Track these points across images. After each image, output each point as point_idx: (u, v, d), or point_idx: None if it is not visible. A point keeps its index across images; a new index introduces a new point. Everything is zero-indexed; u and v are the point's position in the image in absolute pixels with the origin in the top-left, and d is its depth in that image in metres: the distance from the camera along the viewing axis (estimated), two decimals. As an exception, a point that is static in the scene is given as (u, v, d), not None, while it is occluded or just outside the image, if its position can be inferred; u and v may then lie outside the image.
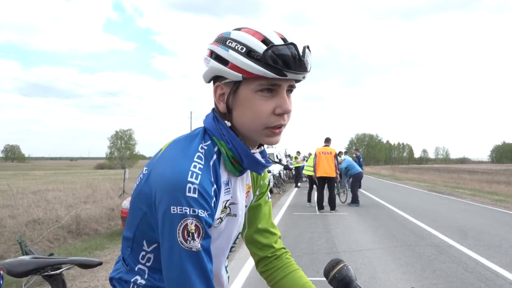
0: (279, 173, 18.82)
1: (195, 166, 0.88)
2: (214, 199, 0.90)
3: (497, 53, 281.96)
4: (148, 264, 0.96)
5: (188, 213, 0.83)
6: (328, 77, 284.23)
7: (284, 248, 1.23)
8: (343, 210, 10.96)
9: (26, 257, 1.65)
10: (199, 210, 0.84)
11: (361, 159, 17.37)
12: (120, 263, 1.03)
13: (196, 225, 0.84)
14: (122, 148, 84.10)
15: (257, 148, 1.04)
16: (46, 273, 1.61)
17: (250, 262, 5.33)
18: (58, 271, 1.63)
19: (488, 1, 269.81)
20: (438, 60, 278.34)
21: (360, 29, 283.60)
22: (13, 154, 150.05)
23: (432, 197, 15.50)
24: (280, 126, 0.94)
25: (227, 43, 0.91)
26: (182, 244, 0.83)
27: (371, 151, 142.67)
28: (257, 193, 1.19)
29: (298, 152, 22.10)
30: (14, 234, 5.97)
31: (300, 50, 0.90)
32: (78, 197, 10.87)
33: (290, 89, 0.95)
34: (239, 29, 0.94)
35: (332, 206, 10.52)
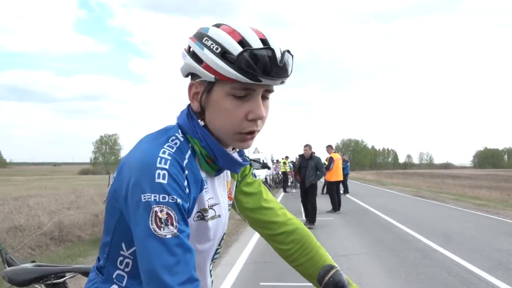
0: (265, 178, 18.85)
1: (164, 152, 0.85)
2: (186, 182, 0.86)
3: (479, 58, 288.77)
4: (127, 270, 0.92)
5: (158, 199, 0.80)
6: (310, 82, 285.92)
7: (292, 219, 1.17)
8: (328, 215, 11.01)
9: (29, 265, 1.62)
10: (170, 196, 0.81)
11: (348, 163, 17.74)
12: (94, 273, 0.99)
13: (167, 213, 0.80)
14: (107, 153, 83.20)
15: (232, 149, 1.00)
16: (49, 282, 1.57)
17: (237, 268, 5.31)
18: (61, 280, 1.59)
19: (468, 3, 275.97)
20: (420, 64, 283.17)
21: (338, 32, 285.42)
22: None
23: (416, 201, 15.70)
24: (252, 132, 0.91)
25: (203, 40, 0.88)
26: (156, 231, 0.79)
27: (356, 157, 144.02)
28: (240, 178, 1.15)
29: (287, 157, 22.16)
30: (-6, 241, 5.84)
31: (279, 55, 0.86)
32: (61, 203, 10.68)
33: (266, 94, 0.92)
34: (218, 26, 0.90)
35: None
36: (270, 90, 0.91)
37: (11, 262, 2.09)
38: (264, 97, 0.91)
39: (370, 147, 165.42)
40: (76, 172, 69.66)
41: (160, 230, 0.80)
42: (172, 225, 0.81)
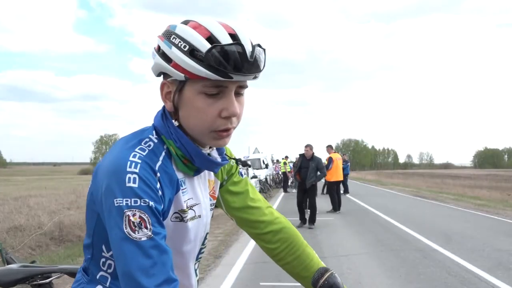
0: (266, 178, 18.85)
1: (134, 156, 0.84)
2: (159, 185, 0.85)
3: (479, 58, 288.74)
4: (109, 271, 0.92)
5: (130, 204, 0.80)
6: (310, 82, 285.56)
7: (279, 218, 1.16)
8: (329, 215, 11.01)
9: (14, 266, 1.61)
10: (142, 200, 0.80)
11: (348, 163, 17.76)
12: (80, 274, 0.99)
13: (140, 216, 0.80)
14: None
15: (209, 148, 0.99)
16: (35, 282, 1.57)
17: (237, 268, 5.31)
18: (47, 280, 1.59)
19: (468, 3, 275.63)
20: (420, 64, 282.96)
21: (339, 32, 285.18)
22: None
23: (416, 202, 15.69)
24: (227, 130, 0.90)
25: (171, 38, 0.86)
26: (130, 235, 0.79)
27: (356, 157, 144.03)
28: (226, 177, 1.14)
29: (286, 157, 22.16)
30: (-6, 241, 5.84)
31: (249, 50, 0.84)
32: (61, 203, 10.67)
33: (240, 90, 0.90)
34: (186, 23, 0.88)
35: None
36: (243, 86, 0.90)
37: (11, 262, 2.09)
38: (238, 93, 0.90)
39: (370, 147, 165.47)
40: (76, 172, 69.59)
41: (134, 233, 0.80)
42: (146, 228, 0.80)
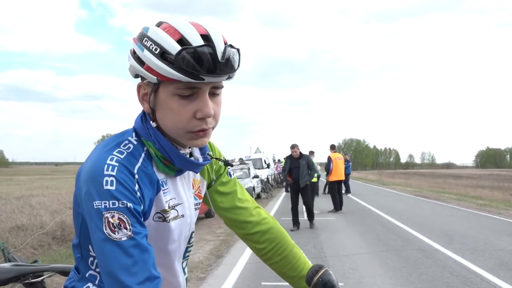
0: (267, 178, 18.84)
1: (112, 159, 0.85)
2: (137, 186, 0.86)
3: (481, 57, 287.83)
4: (98, 270, 0.93)
5: (108, 206, 0.81)
6: (311, 82, 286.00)
7: (267, 218, 1.17)
8: (330, 215, 11.00)
9: (6, 265, 1.62)
10: (120, 202, 0.82)
11: (350, 163, 17.75)
12: (73, 272, 1.01)
13: (119, 217, 0.81)
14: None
15: (189, 148, 0.99)
16: (27, 281, 1.58)
17: (238, 267, 5.31)
18: (39, 279, 1.60)
19: (469, 2, 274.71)
20: (421, 64, 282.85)
21: (339, 32, 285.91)
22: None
23: (418, 201, 15.67)
24: (203, 130, 0.90)
25: (143, 41, 0.86)
26: (110, 235, 0.81)
27: (358, 156, 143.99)
28: (214, 177, 1.15)
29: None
30: (-4, 240, 5.85)
31: (220, 50, 0.84)
32: (63, 202, 10.69)
33: (215, 90, 0.90)
34: (159, 24, 0.88)
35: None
36: (218, 87, 0.90)
37: (14, 261, 2.10)
38: (214, 94, 0.90)
39: (371, 147, 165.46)
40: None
41: (114, 234, 0.81)
42: (126, 228, 0.82)
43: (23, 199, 11.18)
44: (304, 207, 8.98)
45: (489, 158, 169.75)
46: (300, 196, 8.63)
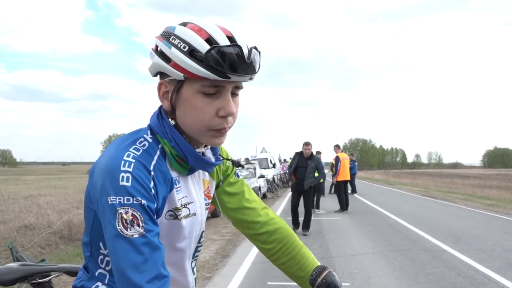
0: (273, 178, 18.83)
1: (128, 155, 0.86)
2: (153, 183, 0.87)
3: (489, 56, 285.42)
4: (107, 268, 0.94)
5: (122, 202, 0.82)
6: (318, 81, 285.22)
7: (275, 218, 1.18)
8: (336, 215, 10.98)
9: (14, 265, 1.63)
10: (134, 198, 0.83)
11: (356, 163, 17.72)
12: (82, 271, 1.01)
13: (132, 214, 0.82)
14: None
15: (204, 146, 1.01)
16: (34, 281, 1.59)
17: (244, 267, 5.32)
18: (46, 279, 1.60)
19: (477, 1, 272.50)
20: (428, 63, 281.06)
21: (346, 31, 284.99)
22: (4, 159, 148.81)
23: (425, 201, 15.58)
24: (223, 129, 0.92)
25: (170, 39, 0.88)
26: (123, 232, 0.81)
27: (364, 156, 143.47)
28: (222, 178, 1.16)
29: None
30: (5, 240, 5.91)
31: (246, 51, 0.87)
32: (70, 202, 10.77)
33: (236, 91, 0.93)
34: (185, 24, 0.90)
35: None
36: (239, 87, 0.93)
37: (22, 260, 2.12)
38: (234, 94, 0.93)
39: (378, 146, 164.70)
40: (85, 172, 70.16)
41: (127, 230, 0.82)
42: (139, 225, 0.83)
43: (31, 198, 11.28)
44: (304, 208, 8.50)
45: (497, 158, 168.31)
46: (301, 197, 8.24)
